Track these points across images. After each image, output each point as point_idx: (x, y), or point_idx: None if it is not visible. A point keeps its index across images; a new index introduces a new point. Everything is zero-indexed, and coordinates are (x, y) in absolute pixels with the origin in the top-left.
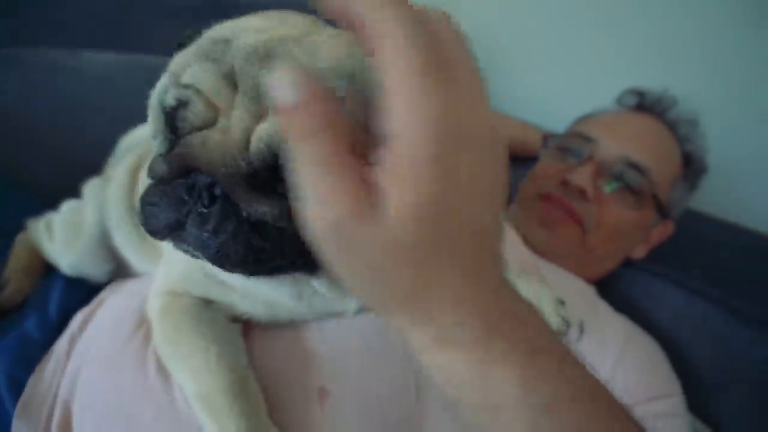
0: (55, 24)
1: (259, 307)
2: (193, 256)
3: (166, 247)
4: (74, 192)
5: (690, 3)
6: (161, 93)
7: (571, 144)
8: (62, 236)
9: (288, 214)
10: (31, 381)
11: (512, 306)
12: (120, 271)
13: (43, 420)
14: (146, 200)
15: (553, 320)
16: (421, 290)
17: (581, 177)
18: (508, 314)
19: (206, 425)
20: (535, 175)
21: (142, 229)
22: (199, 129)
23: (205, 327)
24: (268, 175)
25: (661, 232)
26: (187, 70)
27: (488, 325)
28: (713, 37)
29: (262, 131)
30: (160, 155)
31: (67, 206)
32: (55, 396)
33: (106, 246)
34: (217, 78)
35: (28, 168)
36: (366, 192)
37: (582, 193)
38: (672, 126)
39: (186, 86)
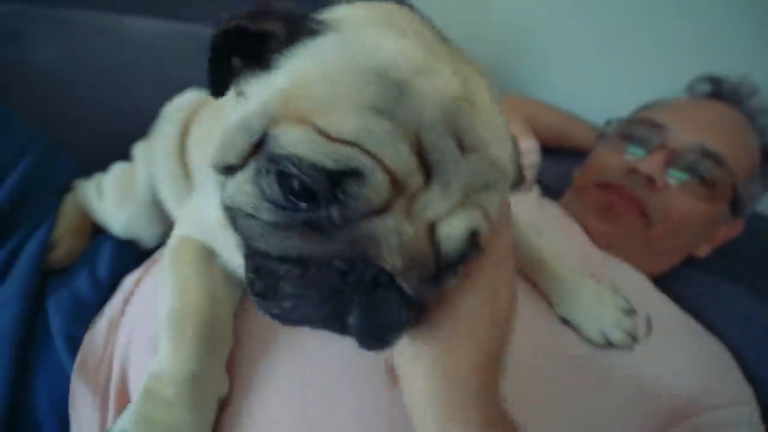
0: None
1: None
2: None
3: (197, 192)
4: (116, 156)
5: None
6: (270, 115)
7: (638, 131)
8: (114, 196)
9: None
10: (86, 339)
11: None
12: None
13: (102, 380)
14: (271, 276)
15: (614, 333)
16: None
17: (650, 165)
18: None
19: (162, 342)
20: (593, 163)
21: (187, 180)
22: (374, 211)
23: (204, 264)
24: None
25: (729, 230)
26: (349, 120)
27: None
28: (747, 29)
29: (461, 223)
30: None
31: (118, 167)
32: (111, 357)
33: (156, 206)
34: (407, 152)
35: (71, 131)
36: None
37: (650, 183)
38: (751, 117)
39: (354, 145)
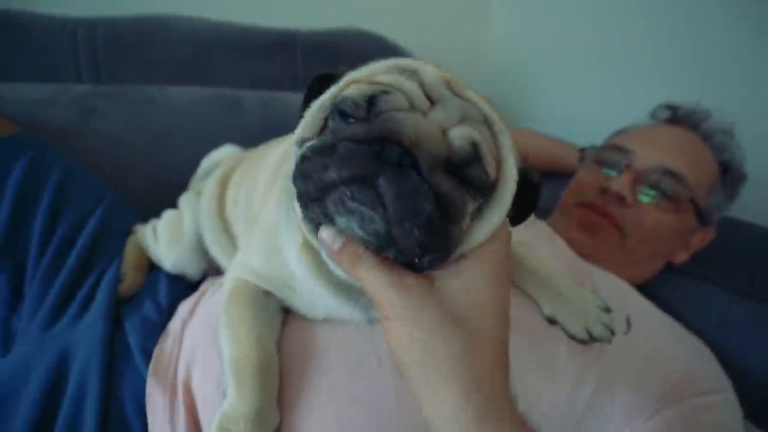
0: (142, 67)
1: (319, 312)
2: (347, 210)
3: (254, 242)
4: (165, 203)
5: (717, 17)
6: (340, 92)
7: (609, 156)
8: (166, 240)
9: (461, 206)
10: (156, 351)
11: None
12: (211, 269)
13: (170, 380)
14: (335, 149)
15: (595, 328)
16: (468, 357)
17: (620, 184)
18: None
19: (229, 387)
20: (575, 185)
21: (228, 232)
22: (397, 109)
23: (258, 310)
24: (456, 169)
25: (702, 237)
26: (380, 77)
27: (510, 406)
28: (741, 49)
29: (463, 131)
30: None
31: (168, 214)
32: (177, 363)
33: (201, 249)
34: (415, 87)
35: (129, 183)
36: (425, 277)
37: (621, 200)
38: (707, 137)
39: (387, 85)
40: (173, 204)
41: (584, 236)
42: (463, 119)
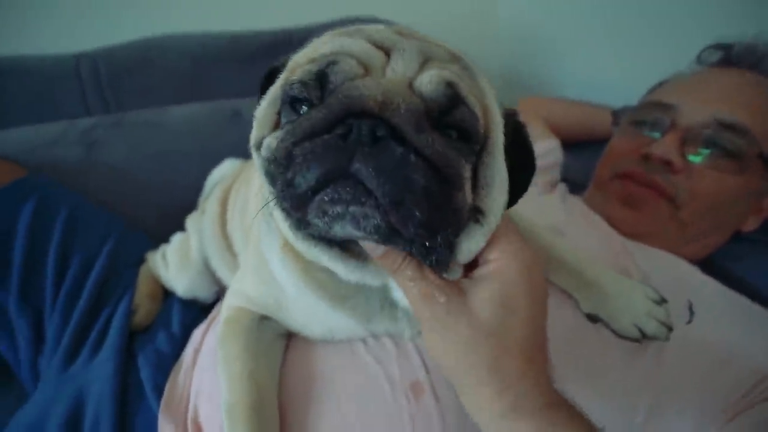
0: (146, 90)
1: (316, 331)
2: (335, 217)
3: (246, 267)
4: (176, 226)
5: None
6: (287, 79)
7: (647, 116)
8: (175, 265)
9: (458, 167)
10: (168, 385)
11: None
12: (222, 291)
13: (181, 416)
14: (291, 158)
15: (648, 324)
16: (499, 361)
17: (664, 148)
18: (557, 396)
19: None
20: (609, 154)
21: (232, 250)
22: (352, 78)
23: (252, 342)
24: (439, 119)
25: None
26: (322, 48)
27: (547, 399)
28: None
29: (431, 73)
30: (293, 120)
31: (176, 238)
32: (188, 396)
33: (209, 271)
34: (365, 42)
35: (137, 210)
36: (459, 292)
37: (668, 165)
38: None
39: (327, 55)
40: (181, 227)
41: (627, 212)
42: (426, 61)
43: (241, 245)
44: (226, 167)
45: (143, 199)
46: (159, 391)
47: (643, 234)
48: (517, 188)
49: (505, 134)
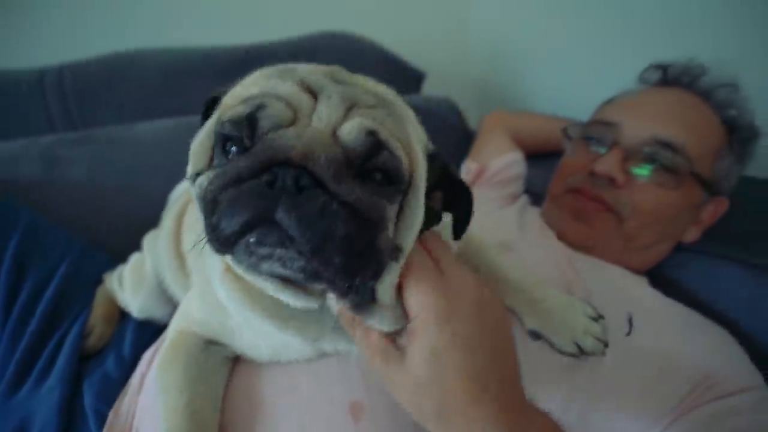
0: (114, 105)
1: (264, 351)
2: (261, 257)
3: (195, 289)
4: (138, 244)
5: None
6: (220, 116)
7: (594, 132)
8: (129, 285)
9: (379, 212)
10: (112, 413)
11: (525, 418)
12: None
13: None
14: (217, 203)
15: (585, 341)
16: (445, 417)
17: (607, 164)
18: (520, 412)
19: None
20: (562, 169)
21: (185, 270)
22: (278, 128)
23: (194, 370)
24: (360, 167)
25: (714, 210)
26: (253, 89)
27: (504, 428)
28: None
29: (353, 123)
30: (223, 165)
31: (134, 258)
32: (131, 422)
33: (164, 290)
34: (294, 85)
35: (100, 229)
36: (393, 349)
37: (611, 181)
38: (705, 95)
39: (258, 96)
40: None
41: (579, 226)
42: (351, 107)
43: (194, 265)
44: (186, 186)
45: (105, 217)
46: (102, 419)
47: (593, 246)
48: (463, 217)
49: (434, 173)
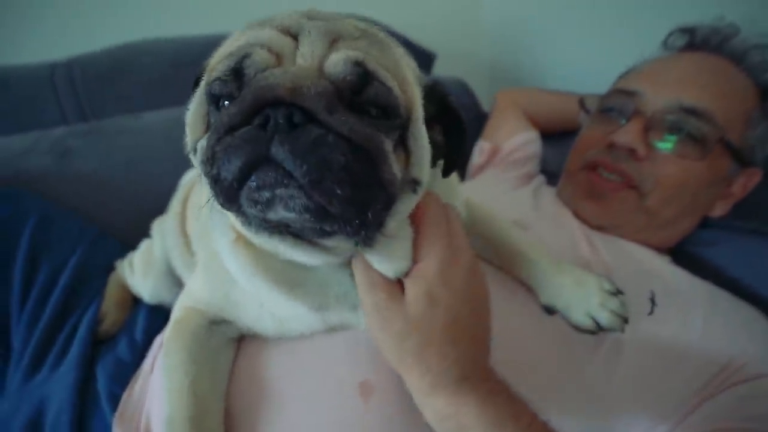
0: (123, 96)
1: (269, 324)
2: (265, 202)
3: (199, 265)
4: (149, 232)
5: None
6: (207, 79)
7: (613, 103)
8: (140, 270)
9: (377, 143)
10: (125, 396)
11: (487, 372)
12: None
13: (135, 423)
14: (214, 155)
15: (601, 315)
16: (423, 350)
17: (627, 135)
18: (481, 371)
19: None
20: (579, 143)
21: (191, 249)
22: (265, 69)
23: (197, 350)
24: (351, 99)
25: (745, 182)
26: (236, 42)
27: (463, 374)
28: None
29: (338, 55)
30: (215, 121)
31: (144, 244)
32: (143, 404)
33: (173, 274)
34: (272, 30)
35: (111, 217)
36: (398, 289)
37: (632, 153)
38: (737, 58)
39: (240, 49)
40: None
41: (593, 204)
42: (334, 40)
43: (198, 243)
44: (195, 172)
45: (116, 206)
46: (115, 401)
47: (610, 225)
48: (453, 154)
49: (432, 103)
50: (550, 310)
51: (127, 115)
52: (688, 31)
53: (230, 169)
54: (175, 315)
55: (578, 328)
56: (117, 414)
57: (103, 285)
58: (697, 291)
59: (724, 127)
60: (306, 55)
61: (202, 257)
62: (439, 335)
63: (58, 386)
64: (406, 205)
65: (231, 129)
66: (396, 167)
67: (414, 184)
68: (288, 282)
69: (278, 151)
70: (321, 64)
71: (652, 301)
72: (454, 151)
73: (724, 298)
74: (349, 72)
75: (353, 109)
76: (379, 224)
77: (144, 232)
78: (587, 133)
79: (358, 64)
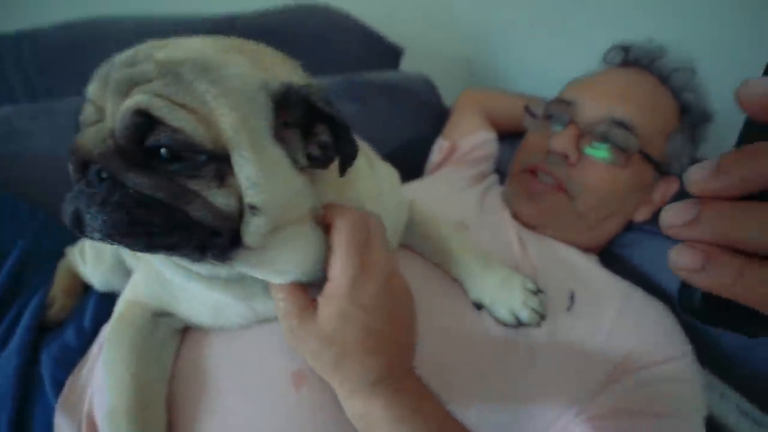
0: (78, 76)
1: (205, 314)
2: (95, 238)
3: (141, 261)
4: None
5: None
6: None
7: (553, 111)
8: (91, 260)
9: (171, 189)
10: (69, 381)
11: (403, 373)
12: None
13: (79, 413)
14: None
15: (522, 312)
16: (340, 361)
17: (561, 142)
18: (398, 373)
19: None
20: (522, 147)
21: None
22: (88, 127)
23: (140, 343)
24: (138, 150)
25: (665, 190)
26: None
27: (379, 377)
28: None
29: (124, 105)
30: None
31: None
32: (88, 390)
33: (124, 264)
34: (97, 86)
35: (59, 204)
36: (311, 310)
37: (565, 158)
38: (663, 77)
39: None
40: None
41: (529, 205)
42: (130, 88)
43: None
44: None
45: (64, 191)
46: (58, 387)
47: (543, 225)
48: (343, 150)
49: (295, 108)
50: (478, 306)
51: (78, 97)
52: (624, 49)
53: (66, 214)
54: (118, 309)
55: (501, 323)
56: (60, 399)
57: (51, 270)
58: (614, 288)
59: (645, 138)
60: (107, 111)
61: (141, 255)
62: (353, 348)
63: None
64: (253, 226)
65: (74, 182)
66: (220, 200)
67: (252, 208)
68: (204, 277)
69: (81, 207)
70: (114, 120)
71: (571, 298)
72: (343, 147)
73: (637, 296)
74: (127, 124)
75: (140, 159)
76: (222, 247)
77: None
78: (530, 137)
79: (138, 112)
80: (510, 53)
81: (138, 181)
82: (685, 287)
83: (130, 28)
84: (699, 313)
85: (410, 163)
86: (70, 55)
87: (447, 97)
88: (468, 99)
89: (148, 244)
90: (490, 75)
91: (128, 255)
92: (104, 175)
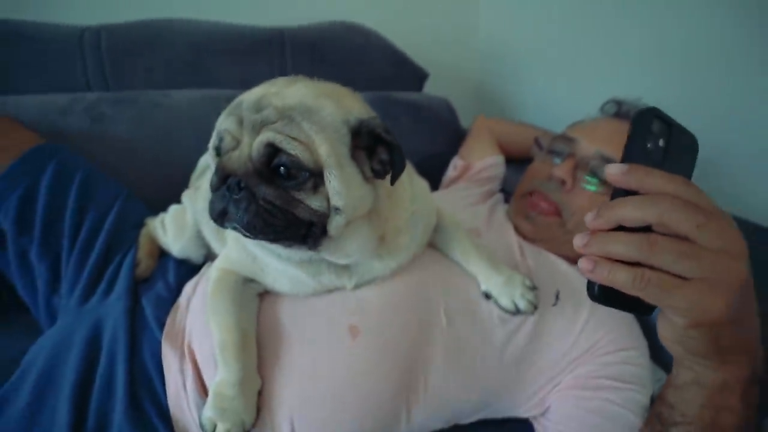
0: (142, 70)
1: (285, 284)
2: (235, 229)
3: (229, 239)
4: (170, 197)
5: (683, 11)
6: (213, 140)
7: (557, 146)
8: (172, 231)
9: (286, 198)
10: (168, 321)
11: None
12: (211, 254)
13: (179, 341)
14: (209, 201)
15: (521, 302)
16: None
17: (560, 171)
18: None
19: (219, 364)
20: (527, 173)
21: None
22: (229, 152)
23: (237, 296)
24: (266, 170)
25: None
26: (222, 123)
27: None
28: (706, 40)
29: (259, 140)
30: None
31: (173, 208)
32: (183, 329)
33: (201, 238)
34: (233, 122)
35: (138, 182)
36: None
37: (563, 184)
38: None
39: (221, 131)
40: (176, 197)
41: (527, 224)
42: (261, 128)
43: None
44: None
45: (144, 171)
46: (161, 324)
47: (539, 240)
48: (394, 167)
49: (364, 137)
50: (487, 296)
51: (148, 89)
52: (618, 103)
53: (213, 215)
54: (214, 275)
55: (503, 309)
56: (165, 332)
57: (135, 237)
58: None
59: None
60: (244, 144)
61: (231, 234)
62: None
63: (111, 309)
64: (336, 221)
65: (213, 188)
66: (316, 204)
67: (335, 210)
68: (286, 257)
69: (230, 209)
70: (250, 149)
71: (557, 296)
72: (396, 163)
73: None
74: (260, 154)
75: (268, 176)
76: (316, 237)
77: (165, 196)
78: (535, 165)
79: (268, 145)
80: (528, 84)
81: (266, 191)
82: (589, 282)
83: (196, 32)
84: (599, 299)
85: (427, 176)
86: (136, 51)
87: (464, 119)
88: (482, 126)
89: (274, 238)
90: (507, 101)
91: (211, 235)
92: (242, 185)
